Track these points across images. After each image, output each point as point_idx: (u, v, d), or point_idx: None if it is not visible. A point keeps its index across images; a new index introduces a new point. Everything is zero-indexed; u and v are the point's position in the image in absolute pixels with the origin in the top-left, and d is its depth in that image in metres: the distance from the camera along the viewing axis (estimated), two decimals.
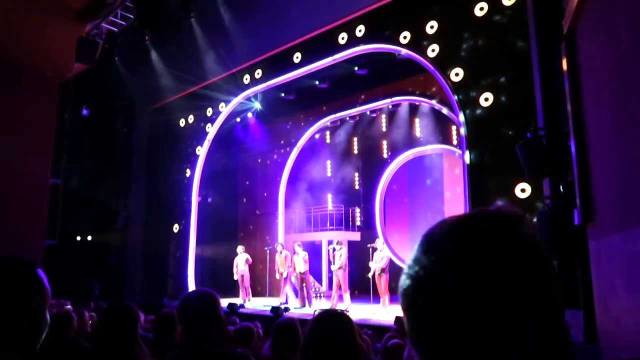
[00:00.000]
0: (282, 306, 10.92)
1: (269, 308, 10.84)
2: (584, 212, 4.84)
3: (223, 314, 2.26)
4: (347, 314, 1.87)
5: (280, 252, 12.42)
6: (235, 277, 12.95)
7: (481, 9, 9.07)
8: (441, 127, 14.38)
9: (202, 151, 15.29)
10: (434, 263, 0.62)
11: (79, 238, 16.76)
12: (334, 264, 10.85)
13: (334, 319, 1.78)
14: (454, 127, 13.79)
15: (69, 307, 7.90)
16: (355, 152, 16.94)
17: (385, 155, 16.36)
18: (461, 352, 0.57)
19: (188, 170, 15.58)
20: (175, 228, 15.50)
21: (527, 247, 0.63)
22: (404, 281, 0.66)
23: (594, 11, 4.37)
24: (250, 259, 13.00)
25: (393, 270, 12.48)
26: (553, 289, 0.61)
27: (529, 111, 7.35)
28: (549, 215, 5.80)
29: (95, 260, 16.32)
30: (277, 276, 12.42)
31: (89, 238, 16.88)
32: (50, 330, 3.93)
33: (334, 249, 10.99)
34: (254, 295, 13.42)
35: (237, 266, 12.93)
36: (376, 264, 10.26)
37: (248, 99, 14.60)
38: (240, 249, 13.08)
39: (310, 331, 1.75)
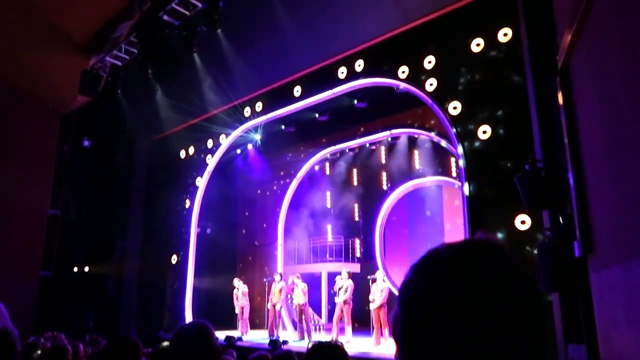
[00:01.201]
0: (281, 339, 10.75)
1: (267, 341, 10.67)
2: (583, 244, 4.84)
3: (218, 345, 2.24)
4: (341, 345, 1.86)
5: (277, 282, 12.30)
6: (237, 310, 12.80)
7: (477, 44, 9.28)
8: (440, 159, 14.45)
9: (201, 182, 15.33)
10: (428, 288, 0.64)
11: (75, 269, 16.62)
12: (338, 296, 10.71)
13: (328, 350, 1.78)
14: (452, 159, 13.86)
15: (63, 339, 7.78)
16: (355, 183, 16.97)
17: (384, 187, 16.39)
18: None
19: (187, 201, 15.58)
20: (174, 259, 15.39)
21: (519, 272, 0.65)
22: (400, 303, 0.67)
23: (586, 46, 4.48)
24: (246, 291, 12.87)
25: (392, 302, 12.32)
26: (542, 312, 0.64)
27: (527, 143, 7.43)
28: (550, 247, 5.79)
29: (90, 291, 16.14)
30: (269, 306, 12.26)
31: (86, 269, 16.73)
32: None
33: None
34: (252, 328, 13.21)
35: (237, 299, 12.79)
36: (376, 295, 10.14)
37: (248, 131, 14.74)
38: (237, 282, 13.00)
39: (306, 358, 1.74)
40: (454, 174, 14.06)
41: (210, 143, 15.39)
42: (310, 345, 1.83)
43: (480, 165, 8.90)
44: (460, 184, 10.51)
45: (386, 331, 10.02)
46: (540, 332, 0.62)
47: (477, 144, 9.02)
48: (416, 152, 15.18)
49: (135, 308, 15.98)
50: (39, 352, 5.86)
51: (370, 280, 10.56)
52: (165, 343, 5.47)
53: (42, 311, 13.72)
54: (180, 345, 2.20)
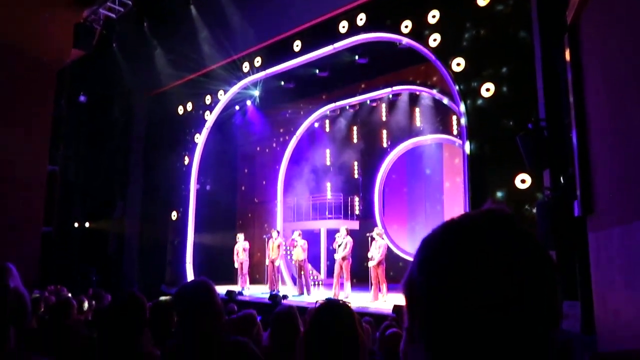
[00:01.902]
0: (281, 294, 10.98)
1: (267, 296, 10.91)
2: (584, 204, 4.86)
3: (220, 303, 2.28)
4: (349, 304, 1.88)
5: (275, 239, 12.46)
6: (236, 265, 13.00)
7: None
8: (441, 117, 14.35)
9: (200, 139, 15.26)
10: (450, 261, 0.64)
11: (76, 225, 16.79)
12: (337, 252, 10.87)
13: (336, 309, 1.79)
14: (454, 117, 13.77)
15: (65, 293, 7.94)
16: (355, 141, 16.91)
17: (384, 145, 16.34)
18: (469, 346, 0.61)
19: (186, 158, 15.56)
20: (174, 216, 15.52)
21: (536, 242, 0.67)
22: (414, 276, 0.67)
23: (597, 1, 4.35)
24: (247, 247, 13.03)
25: (391, 260, 12.56)
26: (556, 280, 0.66)
27: (531, 102, 7.34)
28: (549, 207, 5.83)
29: (92, 247, 16.36)
30: (267, 262, 12.47)
31: (87, 225, 16.90)
32: (50, 317, 3.94)
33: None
34: (252, 283, 13.48)
35: (237, 254, 12.97)
36: (374, 253, 10.29)
37: (247, 87, 14.54)
38: (240, 237, 13.11)
39: (312, 321, 1.76)
40: (455, 132, 14.00)
41: (208, 99, 15.22)
42: (318, 303, 1.85)
43: (483, 123, 8.82)
44: (461, 142, 10.48)
45: (384, 287, 10.23)
46: (556, 300, 0.65)
47: (479, 101, 8.91)
48: (417, 110, 15.05)
49: (137, 264, 16.25)
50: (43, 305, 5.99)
51: (369, 238, 10.68)
52: (164, 297, 5.58)
53: (45, 266, 13.95)
54: (182, 303, 2.23)
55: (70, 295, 7.25)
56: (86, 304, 6.34)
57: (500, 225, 0.66)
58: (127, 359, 2.03)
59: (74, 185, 16.47)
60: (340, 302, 1.87)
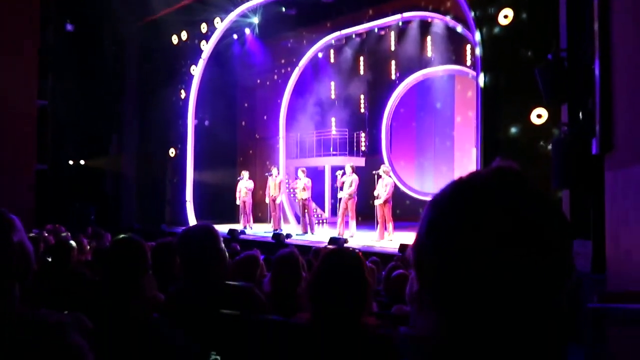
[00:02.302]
0: (284, 233, 11.21)
1: (271, 234, 11.14)
2: (602, 141, 4.82)
3: (224, 249, 2.33)
4: (358, 252, 1.90)
5: (275, 177, 12.56)
6: (238, 203, 13.18)
7: None
8: (455, 47, 14.03)
9: (197, 71, 15.02)
10: (459, 222, 0.65)
11: (71, 162, 16.91)
12: (342, 190, 10.97)
13: (344, 258, 1.82)
14: (468, 47, 13.46)
15: (65, 234, 8.13)
16: (361, 72, 16.62)
17: (393, 77, 16.08)
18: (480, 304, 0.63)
19: (183, 92, 15.40)
20: (172, 152, 15.58)
21: (548, 201, 0.67)
22: (422, 239, 0.68)
23: None
24: (251, 186, 13.14)
25: (397, 198, 12.71)
26: (568, 239, 0.67)
27: (552, 31, 7.12)
28: (565, 143, 5.79)
29: (88, 185, 16.55)
30: (267, 200, 12.65)
31: (82, 163, 17.02)
32: (51, 259, 4.05)
33: (342, 174, 11.05)
34: (255, 221, 13.74)
35: (239, 192, 13.12)
36: (380, 191, 10.38)
37: (245, 14, 14.11)
38: (245, 174, 13.19)
39: (319, 269, 1.79)
40: (468, 62, 13.74)
41: (204, 27, 14.83)
42: (327, 249, 1.89)
43: (499, 53, 8.63)
44: (475, 73, 10.30)
45: (390, 226, 10.41)
46: (568, 260, 0.66)
47: (496, 29, 8.66)
48: (429, 39, 14.70)
49: (135, 202, 16.51)
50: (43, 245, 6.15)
51: (376, 175, 10.75)
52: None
53: (41, 205, 14.20)
54: (186, 249, 2.28)
55: (69, 235, 7.41)
56: (87, 245, 6.50)
57: (510, 184, 0.66)
58: (131, 304, 2.10)
59: (66, 120, 16.41)
60: (350, 250, 1.89)
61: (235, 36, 15.29)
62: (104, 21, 16.59)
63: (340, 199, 11.09)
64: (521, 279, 0.62)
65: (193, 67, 15.11)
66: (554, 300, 0.64)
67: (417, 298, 0.74)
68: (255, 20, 14.46)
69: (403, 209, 14.54)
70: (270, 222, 12.95)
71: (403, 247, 8.09)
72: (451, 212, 0.66)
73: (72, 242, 4.74)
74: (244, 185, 13.08)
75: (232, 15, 14.09)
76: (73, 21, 16.41)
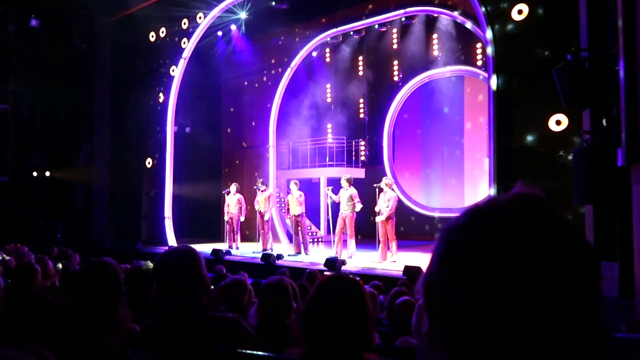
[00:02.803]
0: (275, 253, 11.16)
1: (259, 255, 11.09)
2: (629, 151, 4.85)
3: (207, 275, 2.31)
4: (360, 282, 1.89)
5: (263, 191, 12.53)
6: (226, 219, 13.09)
7: None
8: (463, 45, 14.14)
9: (177, 72, 15.05)
10: (479, 254, 0.65)
11: (35, 174, 16.84)
12: (334, 201, 10.97)
13: (342, 286, 1.80)
14: (479, 46, 13.54)
15: (28, 253, 8.07)
16: (361, 73, 16.68)
17: (396, 78, 16.15)
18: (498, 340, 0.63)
19: (161, 95, 15.41)
20: (148, 163, 15.55)
21: (575, 232, 0.67)
22: (434, 272, 0.68)
23: None
24: (243, 201, 13.07)
25: (401, 214, 12.69)
26: (598, 276, 0.67)
27: (571, 28, 7.18)
28: (588, 153, 5.82)
29: (56, 199, 16.47)
30: (258, 219, 12.60)
31: (47, 174, 16.95)
32: (11, 283, 4.00)
33: (334, 190, 11.04)
34: (242, 240, 13.66)
35: (227, 206, 13.05)
36: (382, 206, 10.36)
37: (231, 8, 14.17)
38: (233, 187, 13.13)
39: (313, 298, 1.78)
40: (479, 62, 13.81)
41: (185, 23, 14.88)
42: (322, 275, 1.87)
43: (513, 53, 8.72)
44: (486, 75, 10.36)
45: (393, 245, 10.37)
46: (598, 299, 0.66)
47: (510, 26, 8.75)
48: (435, 36, 14.79)
49: (108, 219, 16.42)
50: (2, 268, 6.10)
51: (377, 189, 10.74)
52: (143, 263, 5.68)
53: (1, 222, 14.12)
54: (164, 275, 2.27)
55: (32, 256, 7.36)
56: (52, 267, 6.45)
57: (533, 213, 0.66)
58: (102, 336, 2.08)
59: (30, 127, 16.37)
60: (349, 278, 1.88)
61: (220, 33, 15.33)
62: (73, 16, 16.63)
63: (337, 214, 11.08)
64: (545, 318, 0.62)
65: (173, 67, 15.13)
66: (583, 343, 0.64)
67: (427, 339, 0.73)
68: (243, 15, 14.53)
69: (408, 226, 14.53)
70: (258, 241, 12.89)
71: (408, 269, 8.06)
72: (466, 244, 0.66)
73: (36, 265, 4.70)
74: (233, 199, 13.04)
75: (217, 10, 14.15)
76: (38, 16, 16.43)
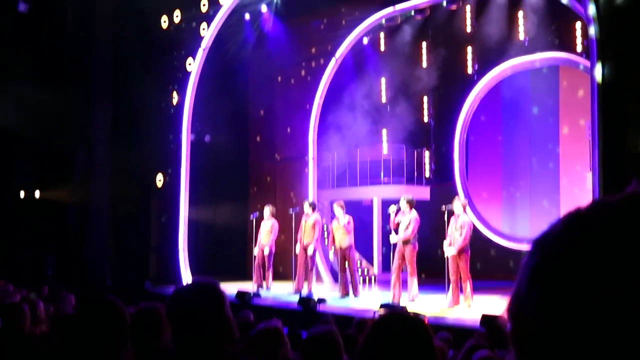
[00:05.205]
0: (315, 297, 11.17)
1: (296, 299, 11.11)
2: None
3: (232, 316, 2.36)
4: (423, 317, 1.91)
5: (308, 215, 12.52)
6: (255, 253, 13.11)
7: None
8: (558, 26, 13.96)
9: (195, 66, 15.32)
10: (567, 273, 0.64)
11: (22, 194, 17.29)
12: (395, 233, 10.89)
13: (403, 326, 1.81)
14: (578, 26, 13.35)
15: (12, 292, 8.32)
16: (424, 64, 16.64)
17: (469, 70, 16.04)
18: None
19: (175, 95, 15.69)
20: (159, 180, 15.78)
21: None
22: (524, 293, 0.68)
23: None
24: (276, 229, 13.04)
25: (477, 246, 12.50)
26: None
27: None
28: None
29: (46, 226, 16.82)
30: (297, 249, 12.54)
31: (37, 195, 17.36)
32: None
33: (397, 211, 10.99)
34: (274, 278, 13.62)
35: (259, 234, 13.02)
36: (453, 236, 10.27)
37: None
38: (266, 211, 13.12)
39: (366, 343, 1.79)
40: (579, 48, 13.60)
41: (204, 5, 15.19)
42: (376, 315, 1.89)
43: (624, 34, 8.64)
44: (588, 64, 10.21)
45: (468, 286, 10.22)
46: None
47: (619, 0, 8.63)
48: (520, 15, 14.65)
49: (109, 249, 16.68)
50: None
51: (446, 213, 10.65)
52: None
53: None
54: (179, 315, 2.32)
55: (18, 296, 7.60)
56: (42, 309, 6.64)
57: None
58: None
59: (16, 137, 16.84)
60: (411, 315, 1.90)
61: (247, 16, 15.58)
62: None
63: (395, 246, 11.01)
64: None
65: (189, 60, 15.41)
66: None
67: None
68: None
69: (486, 262, 14.30)
70: (294, 280, 12.87)
71: (487, 319, 7.92)
72: (567, 256, 0.65)
73: (24, 306, 4.88)
74: (266, 226, 13.07)
75: None
76: None
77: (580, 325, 0.61)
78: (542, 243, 0.68)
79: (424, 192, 15.00)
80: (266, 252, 13.02)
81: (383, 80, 16.97)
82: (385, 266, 14.14)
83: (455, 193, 14.20)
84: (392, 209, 11.14)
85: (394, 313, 1.94)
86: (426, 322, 1.91)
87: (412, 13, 15.38)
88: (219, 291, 2.36)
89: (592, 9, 8.88)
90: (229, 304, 2.41)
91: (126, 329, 2.61)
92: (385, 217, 12.01)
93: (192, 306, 2.31)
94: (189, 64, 15.42)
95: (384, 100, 17.02)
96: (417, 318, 1.87)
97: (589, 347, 0.60)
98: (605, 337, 0.60)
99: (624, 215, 0.64)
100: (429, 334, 1.82)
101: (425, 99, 16.80)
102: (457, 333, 6.85)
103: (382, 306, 9.62)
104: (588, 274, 0.62)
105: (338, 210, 12.11)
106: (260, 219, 13.23)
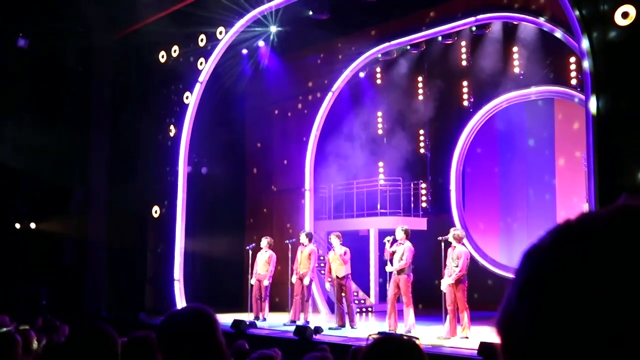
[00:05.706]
0: (312, 326, 11.09)
1: (293, 329, 11.05)
2: None
3: (224, 341, 2.31)
4: (417, 341, 1.88)
5: (305, 246, 12.53)
6: (252, 282, 13.13)
7: None
8: (552, 60, 14.07)
9: (192, 99, 15.39)
10: (558, 286, 0.63)
11: (18, 226, 17.26)
12: (391, 263, 10.91)
13: (398, 349, 1.78)
14: (572, 60, 13.46)
15: (7, 323, 8.22)
16: (420, 98, 16.74)
17: (465, 103, 16.14)
18: None
19: (172, 127, 15.73)
20: (155, 212, 15.78)
21: None
22: (514, 307, 0.67)
23: None
24: (274, 260, 13.12)
25: (475, 276, 12.47)
26: None
27: None
28: None
29: (41, 257, 16.77)
30: (294, 279, 12.56)
31: (32, 226, 17.34)
32: None
33: (393, 242, 11.01)
34: (270, 309, 13.64)
35: (256, 265, 13.09)
36: (450, 266, 10.28)
37: (259, 19, 14.49)
38: (264, 242, 13.22)
39: None
40: (573, 81, 13.71)
41: (202, 40, 15.30)
42: (371, 339, 1.86)
43: (617, 67, 8.70)
44: (583, 96, 10.28)
45: (465, 317, 10.21)
46: None
47: (612, 33, 8.74)
48: (515, 50, 14.78)
49: (104, 280, 16.61)
50: None
51: (443, 243, 10.64)
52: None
53: None
54: (171, 341, 2.27)
55: (12, 327, 7.49)
56: (35, 341, 6.54)
57: None
58: None
59: (12, 169, 16.86)
60: (404, 338, 1.87)
61: (245, 51, 15.69)
62: (68, 34, 17.23)
63: (390, 275, 10.97)
64: None
65: (187, 93, 15.48)
66: None
67: None
68: (273, 28, 14.83)
69: (483, 292, 14.23)
70: (290, 310, 12.84)
71: (485, 347, 7.89)
72: (557, 268, 0.64)
73: (17, 337, 4.79)
74: (263, 257, 13.07)
75: (242, 23, 14.47)
76: (26, 34, 17.14)
77: (573, 335, 0.61)
78: (532, 255, 0.68)
79: (420, 224, 14.99)
80: (265, 284, 13.08)
81: (379, 113, 17.11)
82: (382, 297, 14.12)
83: (452, 224, 14.17)
84: (387, 239, 11.21)
85: (389, 336, 1.91)
86: (420, 345, 1.88)
87: (408, 47, 15.52)
88: (212, 316, 2.33)
89: (585, 43, 8.96)
90: (222, 331, 2.37)
91: (116, 357, 2.56)
92: (382, 247, 11.99)
93: (184, 330, 2.28)
94: (187, 98, 15.48)
95: (380, 132, 17.11)
96: (411, 341, 1.84)
97: (581, 356, 0.60)
98: (599, 345, 0.59)
99: (614, 226, 0.65)
100: (423, 356, 1.80)
101: (421, 131, 16.90)
102: None
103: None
104: (580, 284, 0.62)
105: (335, 241, 12.12)
106: (256, 249, 13.22)
